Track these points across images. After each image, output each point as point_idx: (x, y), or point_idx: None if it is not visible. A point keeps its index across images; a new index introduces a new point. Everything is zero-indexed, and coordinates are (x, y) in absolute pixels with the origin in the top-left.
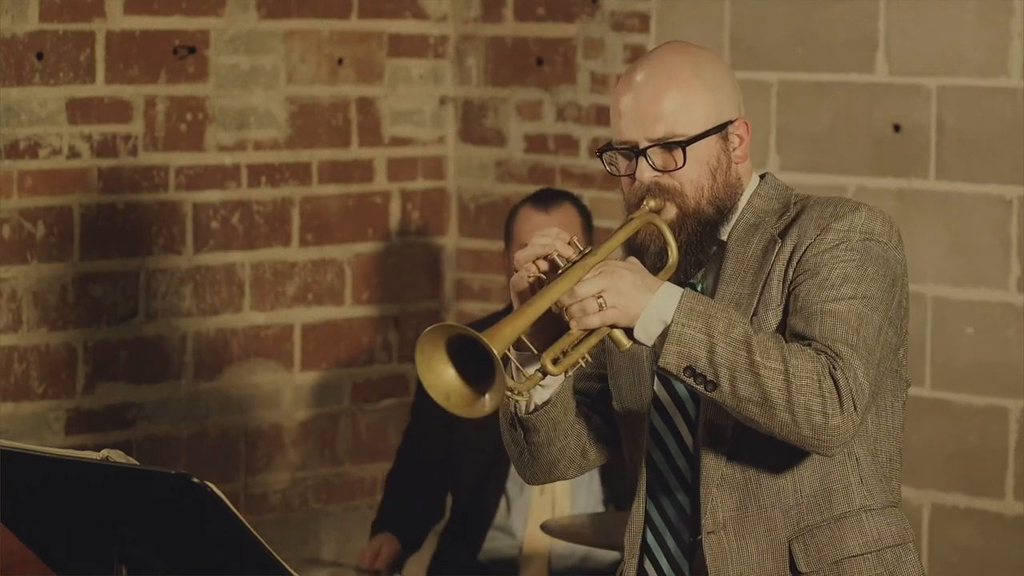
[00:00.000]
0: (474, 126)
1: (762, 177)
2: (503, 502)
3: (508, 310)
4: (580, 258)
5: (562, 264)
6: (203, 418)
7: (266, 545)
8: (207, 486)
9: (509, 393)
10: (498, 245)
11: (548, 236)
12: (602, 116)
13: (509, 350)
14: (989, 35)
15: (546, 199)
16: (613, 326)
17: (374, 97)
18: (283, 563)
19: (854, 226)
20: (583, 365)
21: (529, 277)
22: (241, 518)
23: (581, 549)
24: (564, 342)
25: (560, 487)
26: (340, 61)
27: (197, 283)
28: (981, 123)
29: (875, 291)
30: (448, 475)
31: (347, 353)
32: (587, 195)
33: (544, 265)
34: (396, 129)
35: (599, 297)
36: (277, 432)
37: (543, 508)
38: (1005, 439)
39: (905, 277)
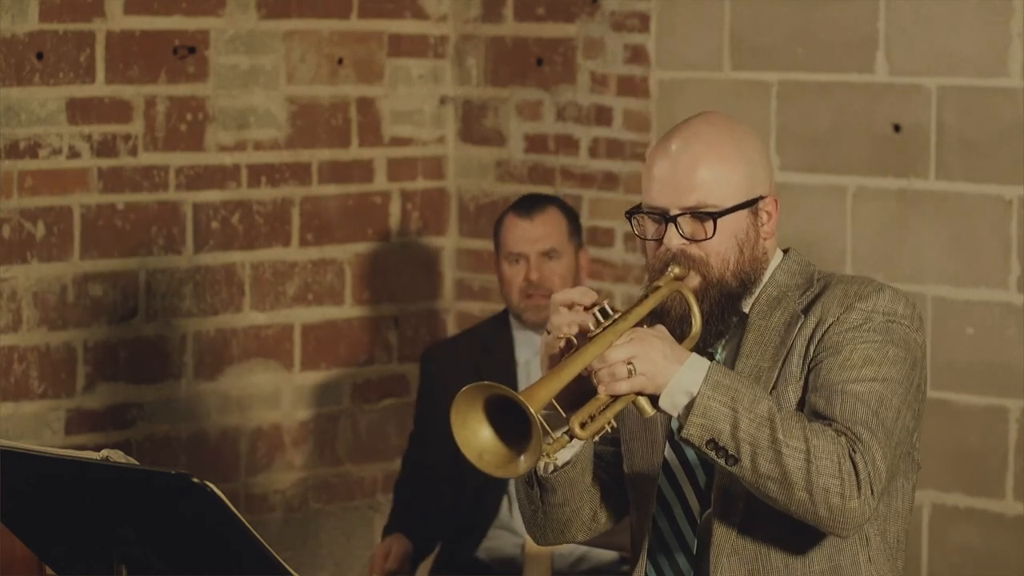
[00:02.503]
0: (474, 126)
1: (785, 252)
2: (505, 500)
3: (506, 312)
4: (611, 323)
5: (592, 327)
6: (203, 418)
7: (266, 545)
8: (207, 486)
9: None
10: None
11: (577, 299)
12: (602, 116)
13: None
14: (989, 35)
15: (529, 206)
16: (639, 393)
17: (374, 97)
18: (283, 563)
19: (877, 307)
20: (609, 431)
21: (560, 341)
22: (241, 518)
23: (581, 548)
24: (591, 406)
25: None
26: (340, 61)
27: (197, 283)
28: (981, 123)
29: (895, 374)
30: (456, 477)
31: (347, 353)
32: (587, 195)
33: (575, 328)
34: (396, 129)
35: (629, 364)
36: (277, 432)
37: None
38: (1005, 439)
39: (924, 360)
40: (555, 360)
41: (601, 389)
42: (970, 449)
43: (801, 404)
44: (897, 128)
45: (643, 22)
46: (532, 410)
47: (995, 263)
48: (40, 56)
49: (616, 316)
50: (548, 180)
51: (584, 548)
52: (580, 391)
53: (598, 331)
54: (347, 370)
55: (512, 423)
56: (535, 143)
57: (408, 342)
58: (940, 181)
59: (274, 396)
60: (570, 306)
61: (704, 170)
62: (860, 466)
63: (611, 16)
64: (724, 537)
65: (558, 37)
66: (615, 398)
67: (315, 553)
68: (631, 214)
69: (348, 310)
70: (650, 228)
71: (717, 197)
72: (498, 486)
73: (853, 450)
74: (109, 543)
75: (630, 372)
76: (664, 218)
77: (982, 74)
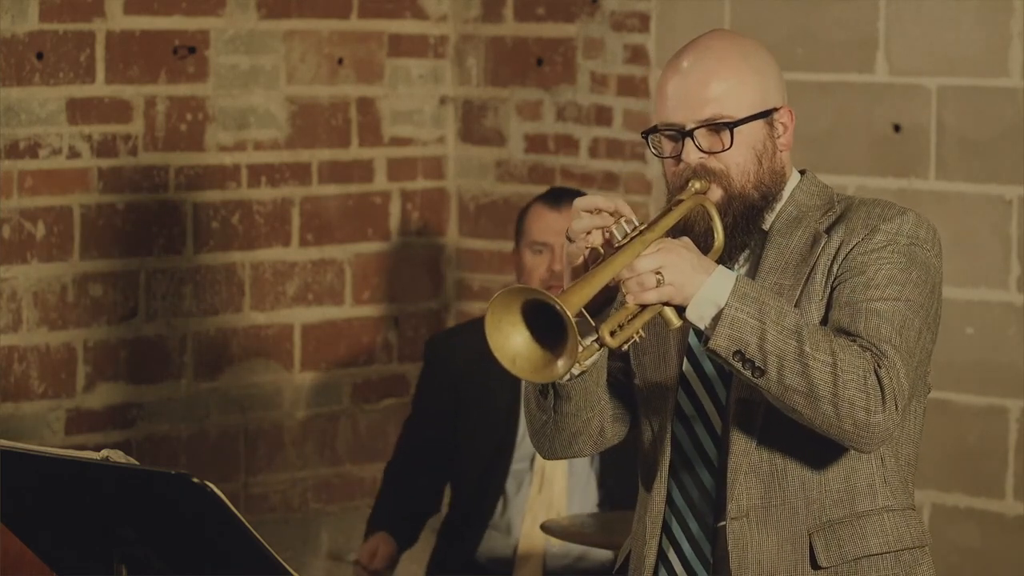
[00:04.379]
0: (474, 126)
1: (802, 173)
2: (500, 500)
3: None
4: (638, 233)
5: (619, 237)
6: (203, 418)
7: (266, 545)
8: (207, 486)
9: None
10: (498, 245)
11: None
12: (602, 116)
13: None
14: (989, 35)
15: (558, 197)
16: (667, 303)
17: (374, 97)
18: (283, 563)
19: (902, 230)
20: (637, 340)
21: (585, 248)
22: (241, 518)
23: (576, 549)
24: (620, 315)
25: (558, 486)
26: (340, 61)
27: (197, 283)
28: (981, 123)
29: (917, 296)
30: (446, 469)
31: (347, 353)
32: None
33: (598, 237)
34: (396, 129)
35: (658, 273)
36: (277, 432)
37: (540, 507)
38: (1005, 439)
39: (941, 285)
40: (577, 270)
41: (630, 298)
42: (970, 449)
43: (823, 323)
44: (897, 128)
45: (643, 22)
46: (566, 311)
47: (995, 263)
48: (40, 56)
49: (643, 227)
50: (548, 180)
51: (581, 548)
52: (598, 302)
53: (626, 240)
54: (347, 370)
55: (543, 330)
56: (535, 143)
57: (408, 342)
58: (940, 181)
59: (274, 396)
60: (592, 211)
61: (717, 83)
62: (885, 381)
63: (611, 16)
64: (742, 454)
65: (558, 37)
66: (643, 308)
67: (315, 553)
68: (647, 134)
69: (348, 310)
70: (667, 146)
71: (732, 108)
72: (495, 485)
73: (879, 365)
74: (109, 543)
75: (659, 282)
76: (680, 134)
77: (982, 74)
